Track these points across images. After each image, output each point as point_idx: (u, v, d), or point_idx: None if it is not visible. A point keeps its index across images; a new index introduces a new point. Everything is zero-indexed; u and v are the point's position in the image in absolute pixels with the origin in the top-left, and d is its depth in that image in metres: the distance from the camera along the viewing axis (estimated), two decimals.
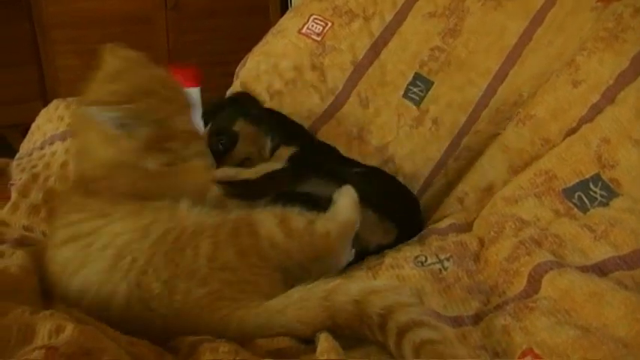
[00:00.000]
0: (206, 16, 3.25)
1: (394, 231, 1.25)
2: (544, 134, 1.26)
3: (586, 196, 1.12)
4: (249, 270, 0.99)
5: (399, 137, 1.64)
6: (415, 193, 1.49)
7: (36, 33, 2.99)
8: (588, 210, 1.10)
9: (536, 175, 1.21)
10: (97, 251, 0.95)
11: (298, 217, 1.06)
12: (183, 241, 0.98)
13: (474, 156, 1.43)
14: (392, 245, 1.22)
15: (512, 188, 1.24)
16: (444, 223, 1.26)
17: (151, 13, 3.16)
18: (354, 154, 1.62)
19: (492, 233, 1.16)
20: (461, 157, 1.49)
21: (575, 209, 1.12)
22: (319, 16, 1.78)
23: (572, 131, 1.20)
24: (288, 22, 1.84)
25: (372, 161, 1.61)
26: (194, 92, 2.03)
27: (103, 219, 0.99)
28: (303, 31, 1.78)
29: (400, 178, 1.53)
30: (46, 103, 1.70)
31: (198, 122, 1.38)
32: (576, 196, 1.13)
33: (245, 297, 0.95)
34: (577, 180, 1.14)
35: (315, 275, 0.97)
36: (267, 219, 1.04)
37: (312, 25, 1.77)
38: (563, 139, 1.21)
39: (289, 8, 3.15)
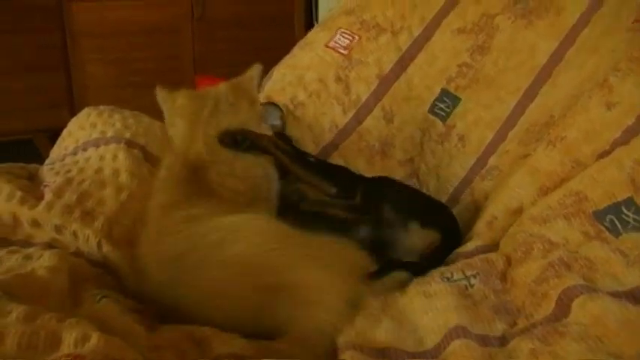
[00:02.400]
0: (232, 26, 3.27)
1: (438, 238, 1.27)
2: (575, 156, 1.24)
3: (618, 220, 1.09)
4: None
5: (423, 153, 1.63)
6: None
7: (66, 41, 3.03)
8: (620, 234, 1.07)
9: (565, 196, 1.18)
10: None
11: None
12: None
13: (503, 177, 1.42)
14: (437, 254, 1.24)
15: (541, 208, 1.22)
16: (470, 246, 1.25)
17: (178, 23, 3.19)
18: (376, 169, 1.62)
19: (520, 253, 1.14)
20: (489, 177, 1.47)
21: (607, 232, 1.09)
22: (347, 30, 1.79)
23: (605, 153, 1.18)
24: (315, 36, 1.85)
25: (395, 176, 1.61)
26: None
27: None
28: (330, 44, 1.78)
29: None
30: (73, 110, 1.72)
31: None
32: (608, 219, 1.10)
33: None
34: (609, 203, 1.11)
35: None
36: None
37: (339, 39, 1.78)
38: (596, 161, 1.19)
39: (314, 19, 3.18)
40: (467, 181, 1.53)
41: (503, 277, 1.11)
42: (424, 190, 1.59)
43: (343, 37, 1.78)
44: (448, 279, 1.10)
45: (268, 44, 2.91)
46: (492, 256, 1.17)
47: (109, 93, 2.99)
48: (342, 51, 1.76)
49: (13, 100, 2.97)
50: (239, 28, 3.27)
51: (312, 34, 1.88)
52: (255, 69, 1.35)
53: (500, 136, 1.52)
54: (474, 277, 1.11)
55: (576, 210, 1.15)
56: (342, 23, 1.81)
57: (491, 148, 1.52)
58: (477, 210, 1.45)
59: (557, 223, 1.16)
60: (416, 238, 1.26)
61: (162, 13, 3.15)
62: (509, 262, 1.15)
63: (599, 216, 1.12)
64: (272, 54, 1.94)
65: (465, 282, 1.10)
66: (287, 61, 1.86)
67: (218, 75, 2.18)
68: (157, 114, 1.36)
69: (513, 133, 1.50)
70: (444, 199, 1.54)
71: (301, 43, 1.87)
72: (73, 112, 1.62)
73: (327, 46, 1.78)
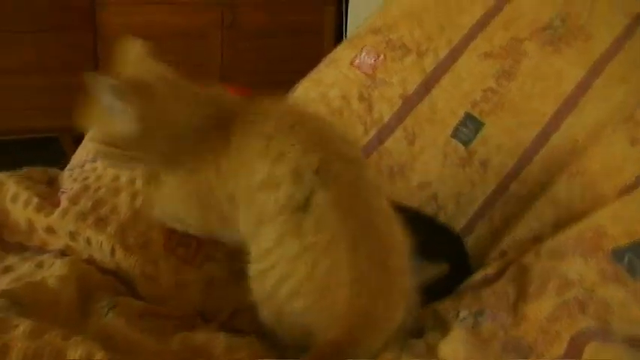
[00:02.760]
0: (261, 35, 3.28)
1: (445, 269, 1.25)
2: (596, 190, 1.22)
3: (638, 260, 1.07)
4: None
5: (443, 177, 1.61)
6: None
7: (97, 42, 3.05)
8: (639, 276, 1.05)
9: (584, 231, 1.16)
10: None
11: None
12: None
13: (522, 205, 1.40)
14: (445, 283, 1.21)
15: (558, 242, 1.20)
16: (478, 276, 1.24)
17: (207, 29, 3.21)
18: (395, 190, 1.60)
19: (533, 287, 1.11)
20: (509, 204, 1.45)
21: (625, 273, 1.07)
22: (372, 48, 1.77)
23: (628, 189, 1.16)
24: (341, 53, 1.84)
25: (413, 199, 1.59)
26: None
27: None
28: (355, 62, 1.77)
29: (442, 217, 1.51)
30: None
31: None
32: (626, 258, 1.08)
33: None
34: (628, 241, 1.09)
35: None
36: None
37: (365, 57, 1.77)
38: (618, 196, 1.17)
39: (344, 30, 3.17)
40: (486, 207, 1.51)
41: (512, 309, 1.09)
42: (442, 215, 1.56)
43: (368, 55, 1.77)
44: (455, 317, 1.09)
45: (296, 54, 2.91)
46: (499, 287, 1.15)
47: None
48: (366, 69, 1.74)
49: (40, 97, 3.00)
50: (268, 37, 3.27)
51: (338, 51, 1.87)
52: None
53: (523, 163, 1.50)
54: (481, 314, 1.08)
55: (594, 246, 1.13)
56: (368, 41, 1.79)
57: (512, 175, 1.50)
58: (493, 237, 1.43)
59: (575, 259, 1.13)
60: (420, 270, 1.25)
61: (192, 19, 3.17)
62: (518, 293, 1.12)
63: (617, 255, 1.09)
64: (297, 64, 1.93)
65: (471, 320, 1.08)
66: (312, 76, 1.85)
67: (244, 84, 2.18)
68: None
69: (536, 160, 1.48)
70: (462, 223, 1.51)
71: (327, 59, 1.86)
72: None
73: (352, 64, 1.77)
